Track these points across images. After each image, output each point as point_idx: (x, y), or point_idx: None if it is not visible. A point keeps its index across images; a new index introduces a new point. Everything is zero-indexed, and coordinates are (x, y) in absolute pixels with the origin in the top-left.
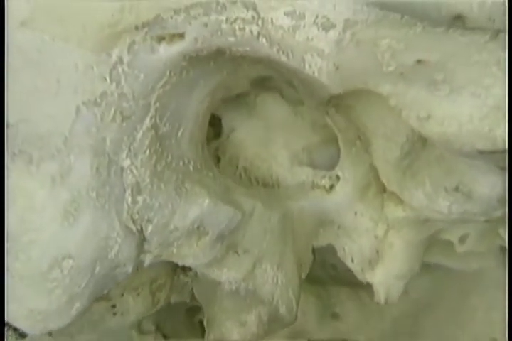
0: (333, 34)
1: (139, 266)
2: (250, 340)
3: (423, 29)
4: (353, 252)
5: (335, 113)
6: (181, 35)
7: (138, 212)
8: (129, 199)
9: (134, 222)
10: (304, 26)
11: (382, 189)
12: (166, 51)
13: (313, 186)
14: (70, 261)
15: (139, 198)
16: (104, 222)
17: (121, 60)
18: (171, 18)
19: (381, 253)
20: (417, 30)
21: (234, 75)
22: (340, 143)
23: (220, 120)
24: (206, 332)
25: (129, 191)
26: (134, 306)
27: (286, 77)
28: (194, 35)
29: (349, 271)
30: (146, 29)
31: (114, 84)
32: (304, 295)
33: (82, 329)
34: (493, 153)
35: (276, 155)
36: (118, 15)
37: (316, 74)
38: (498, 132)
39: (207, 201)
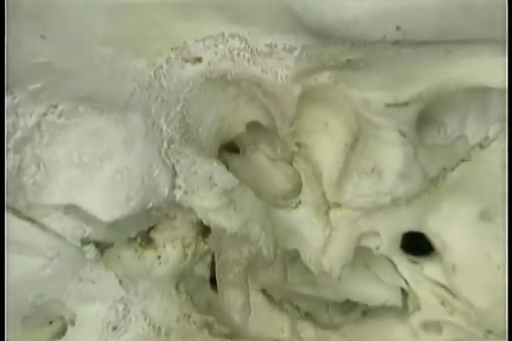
0: (295, 54)
1: (175, 219)
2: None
3: (351, 45)
4: (310, 257)
5: (298, 155)
6: (200, 60)
7: (172, 154)
8: (165, 145)
9: (168, 159)
10: (277, 51)
11: (328, 207)
12: (190, 70)
13: (286, 205)
14: (127, 171)
15: (172, 146)
16: (149, 152)
17: (161, 67)
18: (193, 45)
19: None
20: (347, 45)
21: (234, 114)
22: (303, 179)
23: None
24: (216, 257)
25: (165, 141)
26: (171, 256)
27: (270, 121)
28: (208, 59)
29: None
30: (178, 51)
31: (156, 79)
32: None
33: (141, 274)
34: (395, 106)
35: (261, 192)
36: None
37: (284, 81)
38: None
39: (215, 163)
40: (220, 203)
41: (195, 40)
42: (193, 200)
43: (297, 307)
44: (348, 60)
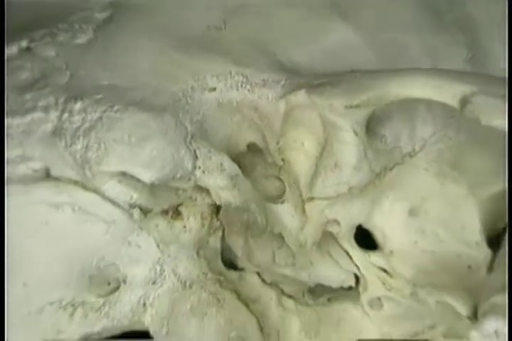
0: (281, 83)
1: (196, 200)
2: (244, 220)
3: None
4: (292, 239)
5: (283, 169)
6: (214, 89)
7: (193, 143)
8: (189, 137)
9: (191, 146)
10: (269, 83)
11: (304, 203)
12: (208, 95)
13: (275, 202)
14: (161, 149)
15: (194, 138)
16: (177, 140)
17: (188, 90)
18: (210, 79)
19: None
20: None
21: (237, 135)
22: (286, 185)
23: None
24: (224, 225)
25: (189, 135)
26: (194, 226)
27: (264, 143)
28: (220, 89)
29: None
30: (199, 81)
31: (183, 97)
32: None
33: (171, 240)
34: (351, 107)
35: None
36: (186, 75)
37: (273, 101)
38: (353, 97)
39: (226, 157)
40: (227, 183)
41: (211, 75)
42: (209, 179)
43: (282, 291)
44: (319, 83)
